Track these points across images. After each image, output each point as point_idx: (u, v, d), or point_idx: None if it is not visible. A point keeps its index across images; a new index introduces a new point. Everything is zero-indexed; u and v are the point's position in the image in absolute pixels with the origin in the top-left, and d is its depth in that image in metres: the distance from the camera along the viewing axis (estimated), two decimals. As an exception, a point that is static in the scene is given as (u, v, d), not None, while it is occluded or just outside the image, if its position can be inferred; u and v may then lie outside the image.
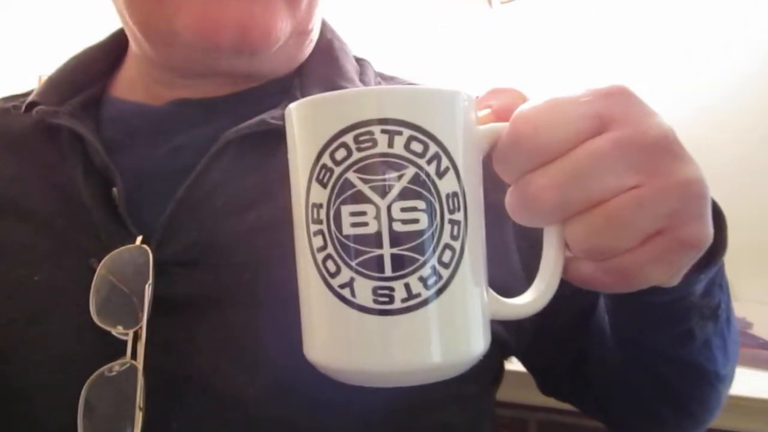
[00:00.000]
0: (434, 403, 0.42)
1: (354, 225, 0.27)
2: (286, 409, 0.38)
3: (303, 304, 0.30)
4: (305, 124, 0.29)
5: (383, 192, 0.27)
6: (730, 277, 0.40)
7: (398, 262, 0.27)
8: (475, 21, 1.31)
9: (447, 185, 0.28)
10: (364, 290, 0.27)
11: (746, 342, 0.79)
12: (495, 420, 0.52)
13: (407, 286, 0.27)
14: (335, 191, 0.27)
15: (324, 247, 0.28)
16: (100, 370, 0.38)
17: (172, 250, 0.41)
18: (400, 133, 0.27)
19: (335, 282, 0.28)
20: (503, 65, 1.26)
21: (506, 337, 0.45)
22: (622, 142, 0.27)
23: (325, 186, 0.28)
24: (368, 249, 0.27)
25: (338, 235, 0.27)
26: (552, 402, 0.59)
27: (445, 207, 0.27)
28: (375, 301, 0.27)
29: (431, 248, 0.27)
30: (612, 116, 0.28)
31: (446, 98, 0.29)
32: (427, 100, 0.28)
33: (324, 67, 0.51)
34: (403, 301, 0.27)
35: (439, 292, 0.28)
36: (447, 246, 0.28)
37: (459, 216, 0.28)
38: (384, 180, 0.27)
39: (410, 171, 0.27)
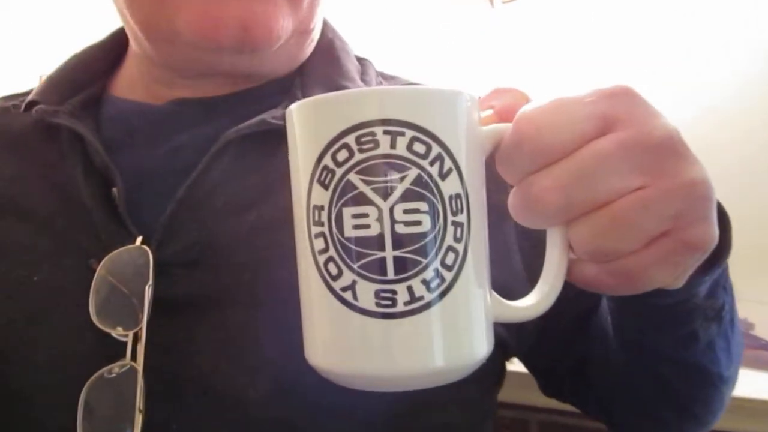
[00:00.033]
0: (436, 405, 0.42)
1: (356, 227, 0.27)
2: (287, 410, 0.38)
3: (304, 307, 0.30)
4: (306, 124, 0.29)
5: (385, 194, 0.27)
6: (732, 278, 0.40)
7: (401, 264, 0.27)
8: (477, 20, 1.30)
9: (450, 187, 0.27)
10: (366, 293, 0.27)
11: (748, 343, 0.78)
12: (496, 421, 0.52)
13: (410, 289, 0.27)
14: (337, 193, 0.27)
15: (325, 250, 0.28)
16: (100, 371, 0.38)
17: (172, 251, 0.41)
18: (402, 134, 0.27)
19: (337, 285, 0.27)
20: (505, 65, 1.25)
21: (508, 338, 0.45)
22: (626, 143, 0.27)
23: (326, 187, 0.27)
24: (370, 251, 0.27)
25: (340, 237, 0.27)
26: (553, 403, 0.59)
27: (448, 209, 0.27)
28: (377, 305, 0.27)
29: (434, 251, 0.27)
30: (616, 117, 0.27)
31: (449, 99, 0.28)
32: (429, 100, 0.28)
33: (325, 67, 0.51)
34: (406, 304, 0.27)
35: (442, 295, 0.27)
36: (450, 248, 0.27)
37: (462, 218, 0.28)
38: (386, 181, 0.27)
39: (413, 172, 0.27)
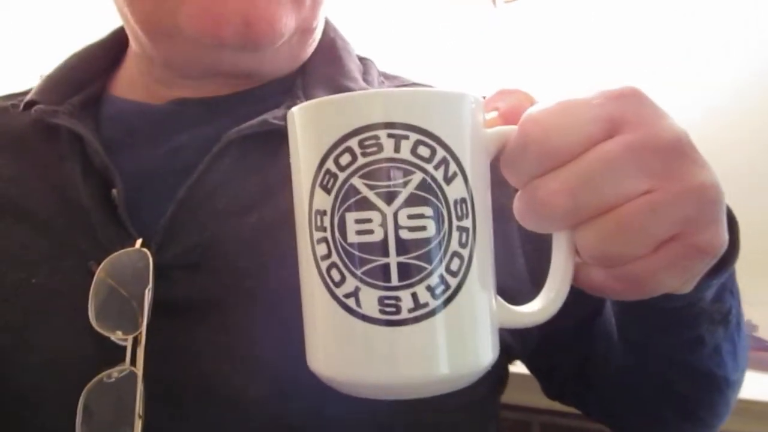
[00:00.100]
0: (440, 407, 0.41)
1: (359, 232, 0.26)
2: (287, 412, 0.38)
3: (306, 313, 0.30)
4: (308, 128, 0.28)
5: (389, 198, 0.26)
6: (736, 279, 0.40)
7: (405, 270, 0.26)
8: (479, 20, 1.30)
9: (455, 191, 0.27)
10: (369, 300, 0.26)
11: (752, 345, 0.78)
12: (498, 423, 0.52)
13: (414, 296, 0.26)
14: (340, 197, 0.27)
15: (328, 256, 0.27)
16: (99, 376, 0.37)
17: (172, 253, 0.41)
18: (406, 138, 0.26)
19: (340, 291, 0.27)
20: (507, 65, 1.25)
21: (512, 342, 0.45)
22: (634, 146, 0.26)
23: (329, 192, 0.27)
24: (374, 257, 0.26)
25: (343, 242, 0.27)
26: (555, 405, 0.59)
27: (453, 214, 0.27)
28: (381, 312, 0.26)
29: (439, 256, 0.26)
30: (624, 119, 0.27)
31: (454, 101, 0.28)
32: (434, 103, 0.27)
33: (327, 67, 0.51)
34: (410, 311, 0.26)
35: (447, 301, 0.27)
36: (455, 254, 0.27)
37: (467, 223, 0.27)
38: (390, 186, 0.26)
39: (417, 176, 0.26)
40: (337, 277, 0.27)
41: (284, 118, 0.32)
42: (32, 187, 0.46)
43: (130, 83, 0.52)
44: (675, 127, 0.27)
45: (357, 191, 0.26)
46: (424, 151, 0.26)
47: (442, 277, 0.27)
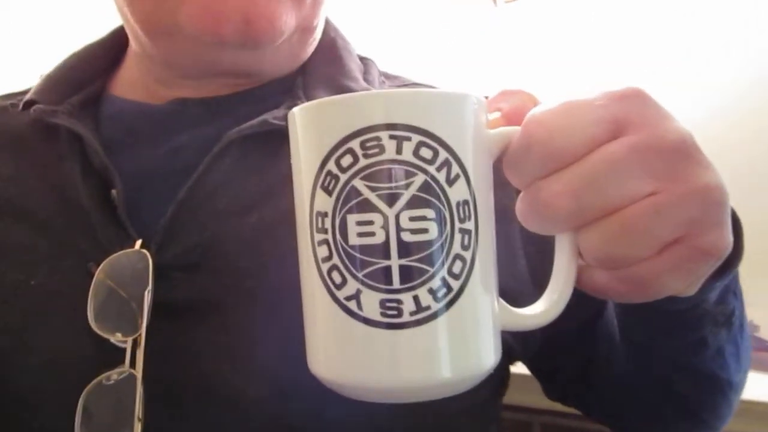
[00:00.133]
0: (441, 408, 0.41)
1: (360, 235, 0.26)
2: (287, 414, 0.38)
3: (307, 315, 0.30)
4: (309, 129, 0.28)
5: (391, 200, 0.26)
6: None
7: (407, 273, 0.26)
8: (480, 19, 1.30)
9: (457, 193, 0.27)
10: (371, 303, 0.26)
11: (753, 345, 0.78)
12: (500, 424, 0.51)
13: (416, 299, 0.26)
14: (341, 199, 0.26)
15: (329, 258, 0.27)
16: (98, 378, 0.37)
17: (172, 254, 0.41)
18: (408, 139, 0.26)
19: (341, 294, 0.27)
20: (508, 64, 1.25)
21: (513, 343, 0.44)
22: (638, 147, 0.26)
23: (330, 194, 0.27)
24: (375, 260, 0.26)
25: (344, 245, 0.26)
26: (556, 405, 0.59)
27: (456, 216, 0.27)
28: (382, 314, 0.26)
29: (441, 259, 0.26)
30: (628, 120, 0.27)
31: (457, 102, 0.28)
32: (436, 104, 0.27)
33: (327, 66, 0.51)
34: (412, 314, 0.26)
35: (449, 304, 0.27)
36: (457, 256, 0.27)
37: (470, 225, 0.27)
38: (392, 188, 0.26)
39: (419, 178, 0.26)
40: (338, 279, 0.27)
41: (284, 118, 0.31)
42: (31, 187, 0.46)
43: (130, 83, 0.52)
44: (679, 129, 0.27)
45: (358, 193, 0.26)
46: (426, 153, 0.26)
47: (444, 279, 0.26)
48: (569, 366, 0.52)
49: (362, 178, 0.26)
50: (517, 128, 0.28)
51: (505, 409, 0.53)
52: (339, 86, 0.48)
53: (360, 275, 0.26)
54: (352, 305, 0.27)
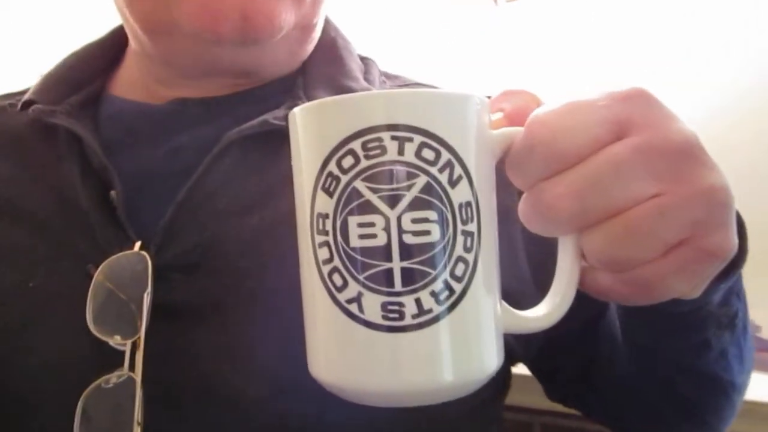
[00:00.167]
0: (441, 414, 0.41)
1: (362, 237, 0.26)
2: (287, 415, 0.38)
3: (307, 318, 0.29)
4: (310, 129, 0.28)
5: (393, 202, 0.26)
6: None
7: (409, 276, 0.26)
8: (480, 19, 1.30)
9: (460, 194, 0.26)
10: (372, 306, 0.26)
11: (755, 346, 0.78)
12: (501, 425, 0.51)
13: (418, 302, 0.26)
14: (342, 201, 0.26)
15: (330, 260, 0.27)
16: (97, 381, 0.37)
17: (171, 254, 0.40)
18: (410, 140, 0.26)
19: (342, 297, 0.26)
20: (508, 64, 1.25)
21: (514, 344, 0.44)
22: (642, 148, 0.26)
23: (331, 195, 0.26)
24: (377, 262, 0.26)
25: (345, 247, 0.26)
26: (557, 406, 0.59)
27: (458, 218, 0.26)
28: (384, 318, 0.26)
29: (443, 261, 0.26)
30: (631, 121, 0.26)
31: (459, 102, 0.27)
32: (439, 104, 0.27)
33: (328, 66, 0.50)
34: (414, 317, 0.26)
35: (452, 307, 0.26)
36: (460, 259, 0.26)
37: (472, 227, 0.27)
38: (394, 189, 0.26)
39: (421, 180, 0.26)
40: (339, 281, 0.26)
41: (285, 118, 0.31)
42: (30, 188, 0.45)
43: (129, 83, 0.52)
44: (684, 129, 0.27)
45: (360, 194, 0.26)
46: (428, 154, 0.26)
47: (446, 282, 0.26)
48: (570, 367, 0.52)
49: (364, 180, 0.26)
50: (520, 129, 0.28)
51: (506, 409, 0.53)
52: (339, 86, 0.48)
53: (361, 278, 0.26)
54: (353, 308, 0.26)
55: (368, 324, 0.26)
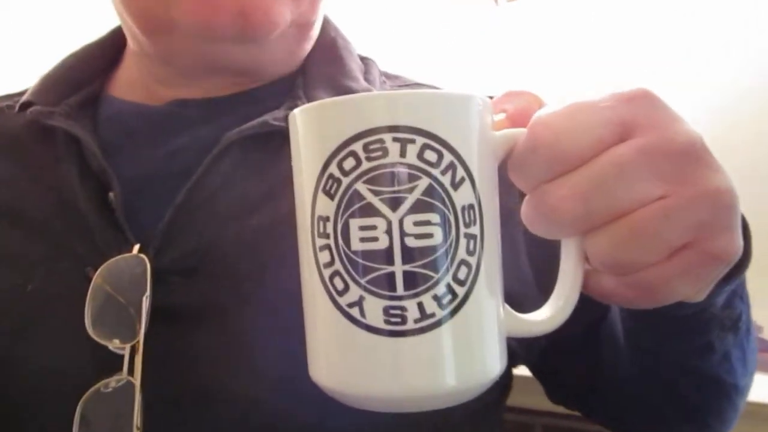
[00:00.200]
0: (444, 418, 0.41)
1: (363, 240, 0.25)
2: (288, 419, 0.37)
3: (308, 322, 0.29)
4: (311, 130, 0.27)
5: (395, 204, 0.25)
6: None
7: (411, 279, 0.25)
8: (481, 19, 1.29)
9: (462, 197, 0.26)
10: (374, 310, 0.26)
11: (758, 347, 0.77)
12: (502, 426, 0.51)
13: (420, 306, 0.25)
14: (343, 203, 0.26)
15: (331, 263, 0.26)
16: (96, 386, 0.37)
17: (170, 258, 0.40)
18: (412, 141, 0.25)
19: (343, 300, 0.26)
20: (509, 64, 1.24)
21: (516, 347, 0.44)
22: (647, 150, 0.26)
23: (332, 198, 0.26)
24: (379, 266, 0.25)
25: (346, 250, 0.26)
26: (558, 407, 0.59)
27: (461, 220, 0.26)
28: (386, 322, 0.25)
29: (446, 265, 0.26)
30: (635, 122, 0.26)
31: (461, 103, 0.27)
32: (441, 105, 0.27)
33: (328, 66, 0.50)
34: (416, 321, 0.25)
35: (454, 311, 0.26)
36: (462, 262, 0.26)
37: (475, 230, 0.26)
38: (395, 192, 0.25)
39: (423, 182, 0.25)
40: (340, 285, 0.26)
41: (285, 119, 0.31)
42: (28, 190, 0.45)
43: (128, 83, 0.51)
44: (688, 131, 0.27)
45: (361, 197, 0.25)
46: (430, 156, 0.25)
47: (449, 286, 0.26)
48: (572, 369, 0.52)
49: (365, 182, 0.25)
50: (523, 130, 0.27)
51: (507, 410, 0.53)
52: (340, 86, 0.48)
53: (363, 281, 0.26)
54: (354, 312, 0.26)
55: (370, 328, 0.26)
